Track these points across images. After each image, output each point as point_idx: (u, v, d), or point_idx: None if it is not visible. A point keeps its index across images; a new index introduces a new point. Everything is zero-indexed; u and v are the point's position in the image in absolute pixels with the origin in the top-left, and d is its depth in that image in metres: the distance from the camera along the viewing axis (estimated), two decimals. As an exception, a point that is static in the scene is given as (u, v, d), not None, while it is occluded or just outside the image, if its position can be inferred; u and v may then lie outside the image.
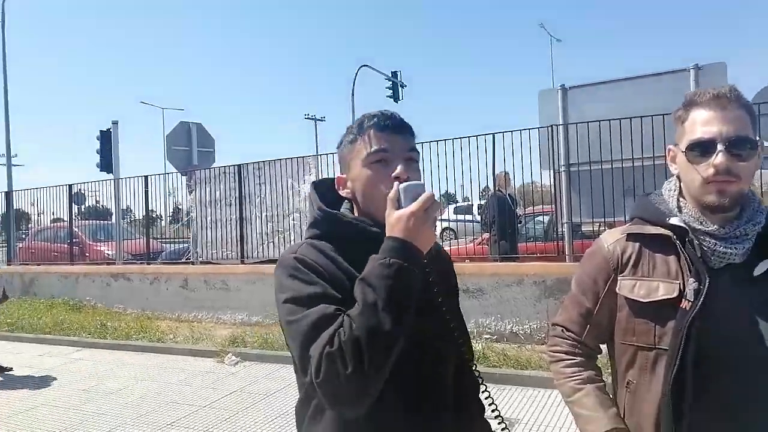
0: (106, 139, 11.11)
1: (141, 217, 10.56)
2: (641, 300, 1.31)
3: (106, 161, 11.05)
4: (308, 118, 40.30)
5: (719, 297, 1.23)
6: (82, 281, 9.86)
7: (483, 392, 1.36)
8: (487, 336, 6.13)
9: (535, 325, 6.07)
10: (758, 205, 1.33)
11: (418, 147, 1.29)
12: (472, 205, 8.90)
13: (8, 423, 4.70)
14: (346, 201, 1.30)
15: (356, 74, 20.66)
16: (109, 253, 10.82)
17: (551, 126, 6.53)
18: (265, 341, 6.70)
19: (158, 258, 10.23)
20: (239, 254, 8.69)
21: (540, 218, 8.45)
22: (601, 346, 1.49)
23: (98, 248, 11.32)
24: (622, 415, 1.35)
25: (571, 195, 6.46)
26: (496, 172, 7.04)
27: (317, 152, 9.34)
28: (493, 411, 1.35)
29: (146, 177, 9.78)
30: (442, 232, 11.39)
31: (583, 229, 7.20)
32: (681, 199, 1.35)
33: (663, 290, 1.28)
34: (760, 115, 5.30)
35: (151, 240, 10.16)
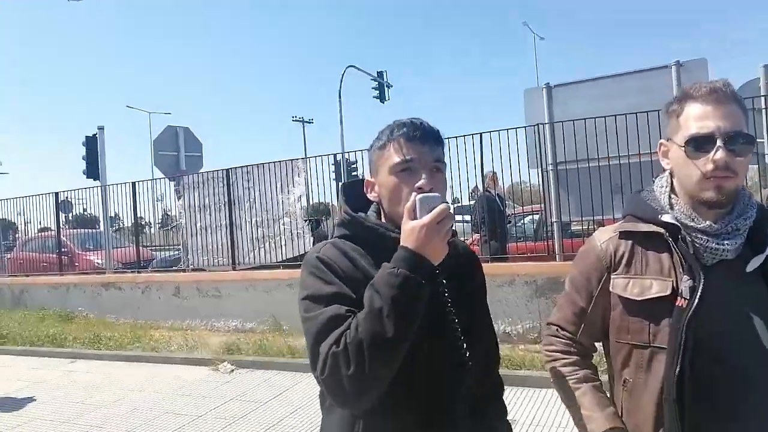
0: (92, 145, 10.98)
1: (130, 225, 10.48)
2: (635, 298, 1.31)
3: (93, 168, 10.92)
4: (296, 120, 40.21)
5: (713, 294, 1.22)
6: (73, 291, 9.79)
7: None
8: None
9: (527, 325, 6.12)
10: (748, 199, 1.32)
11: None
12: (461, 206, 8.97)
13: (3, 440, 4.67)
14: (374, 203, 1.34)
15: (343, 75, 20.63)
16: (99, 262, 10.73)
17: (537, 125, 6.57)
18: (259, 348, 6.70)
19: (149, 266, 10.17)
20: (230, 260, 8.66)
21: (529, 218, 8.50)
22: (596, 344, 1.49)
23: (88, 257, 11.22)
24: (620, 414, 1.35)
25: (560, 194, 6.51)
26: (484, 172, 7.07)
27: (305, 154, 9.34)
28: None
29: (134, 183, 9.68)
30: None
31: (573, 227, 7.25)
32: (672, 195, 1.35)
33: (656, 288, 1.28)
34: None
35: (141, 248, 10.08)
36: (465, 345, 1.26)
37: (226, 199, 8.70)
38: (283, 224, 8.28)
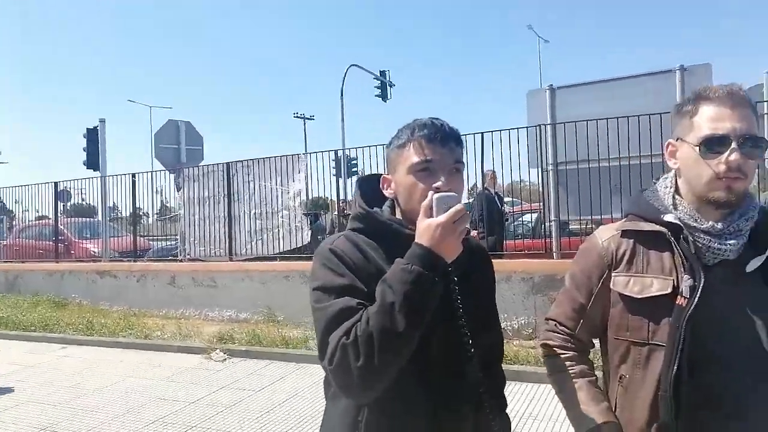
0: (93, 136, 11.03)
1: (128, 215, 10.48)
2: (635, 296, 1.31)
3: (93, 159, 10.97)
4: (297, 117, 40.24)
5: (713, 293, 1.23)
6: (68, 278, 9.77)
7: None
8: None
9: (523, 321, 6.12)
10: (750, 200, 1.33)
11: None
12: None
13: (-7, 419, 4.65)
14: (388, 200, 1.36)
15: (345, 73, 20.66)
16: (95, 250, 10.73)
17: (539, 125, 6.59)
18: (253, 338, 6.68)
19: (145, 255, 10.16)
20: (228, 251, 8.66)
21: (528, 216, 8.51)
22: (593, 340, 1.49)
23: (84, 246, 11.21)
24: (613, 409, 1.36)
25: (559, 193, 6.53)
26: (484, 171, 7.09)
27: (306, 150, 9.35)
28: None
29: (134, 175, 9.72)
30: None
31: (571, 226, 7.27)
32: (677, 196, 1.35)
33: (657, 286, 1.29)
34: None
35: (138, 237, 10.09)
36: (470, 341, 1.28)
37: (226, 192, 8.73)
38: (282, 217, 8.28)
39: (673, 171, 1.39)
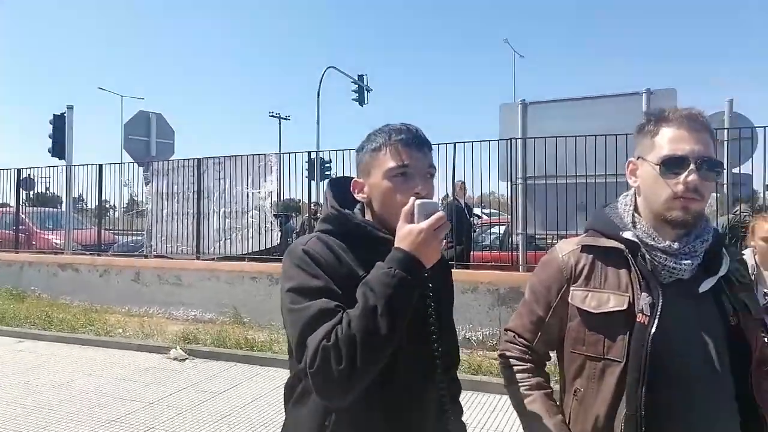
0: (59, 123, 10.69)
1: (94, 207, 10.23)
2: (592, 311, 1.33)
3: (59, 147, 10.63)
4: (272, 116, 39.92)
5: (669, 311, 1.27)
6: (27, 270, 9.49)
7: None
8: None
9: (487, 332, 6.20)
10: (706, 223, 1.37)
11: None
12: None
13: (-60, 415, 4.50)
14: (359, 203, 1.37)
15: (323, 75, 20.61)
16: (57, 242, 10.44)
17: (510, 139, 6.70)
18: (217, 339, 6.61)
19: (110, 249, 9.94)
20: (195, 249, 8.54)
21: (496, 228, 8.63)
22: (550, 353, 1.52)
23: (46, 237, 10.90)
24: (567, 422, 1.38)
25: (527, 207, 6.64)
26: (455, 181, 7.17)
27: (280, 150, 9.27)
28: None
29: (100, 165, 9.47)
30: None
31: (537, 241, 7.40)
32: (635, 214, 1.38)
33: (613, 302, 1.31)
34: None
35: (103, 231, 9.85)
36: (440, 348, 1.30)
37: (196, 189, 8.59)
38: (251, 217, 8.21)
39: (633, 189, 1.43)
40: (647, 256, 1.32)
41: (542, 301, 1.45)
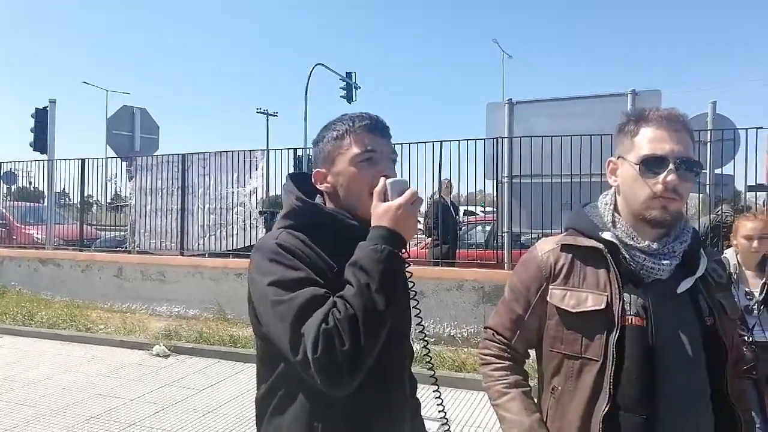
0: (41, 117, 10.55)
1: (77, 202, 10.10)
2: (571, 310, 1.34)
3: (41, 141, 10.49)
4: (260, 113, 39.65)
5: (653, 311, 1.29)
6: (8, 265, 9.34)
7: (435, 392, 1.45)
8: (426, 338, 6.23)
9: (472, 329, 6.22)
10: (685, 223, 1.39)
11: None
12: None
13: None
14: (318, 195, 1.36)
15: (311, 72, 20.52)
16: (39, 237, 10.29)
17: (497, 138, 6.72)
18: (200, 335, 6.56)
19: (92, 245, 9.82)
20: (179, 245, 8.46)
21: (481, 226, 8.66)
22: (529, 351, 1.52)
23: (27, 231, 10.74)
24: (545, 420, 1.39)
25: (512, 205, 6.67)
26: (441, 179, 7.18)
27: (267, 147, 9.21)
28: (440, 411, 1.44)
29: (83, 160, 9.35)
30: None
31: (522, 239, 7.44)
32: (615, 213, 1.39)
33: (591, 301, 1.32)
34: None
35: (86, 226, 9.73)
36: (426, 340, 1.32)
37: (180, 184, 8.51)
38: (236, 214, 8.15)
39: (612, 188, 1.44)
40: (627, 256, 1.33)
41: (521, 300, 1.45)
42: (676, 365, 1.28)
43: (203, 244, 8.34)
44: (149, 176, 8.79)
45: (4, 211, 10.69)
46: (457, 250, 7.69)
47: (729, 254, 3.09)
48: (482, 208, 8.54)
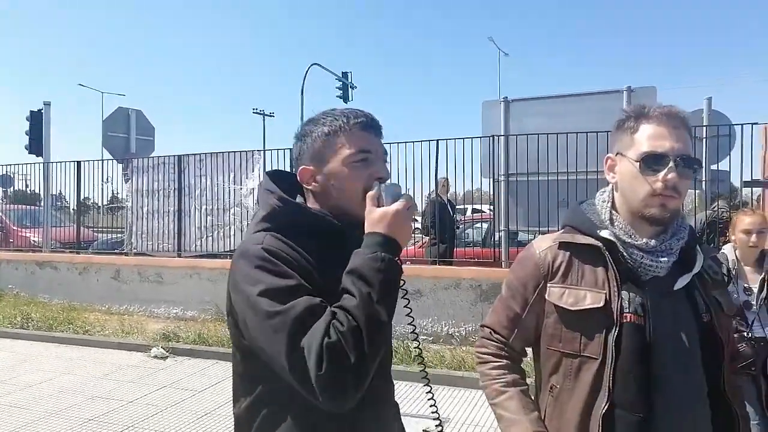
0: (36, 120, 10.51)
1: (74, 204, 10.08)
2: (569, 308, 1.34)
3: (36, 144, 10.46)
4: (256, 113, 39.55)
5: (650, 308, 1.29)
6: (5, 268, 9.31)
7: (428, 392, 1.41)
8: (424, 337, 6.24)
9: (470, 328, 6.22)
10: (682, 220, 1.38)
11: None
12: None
13: None
14: (298, 194, 1.30)
15: (306, 72, 20.49)
16: (36, 239, 10.27)
17: (493, 136, 6.72)
18: (198, 337, 6.55)
19: (89, 247, 9.79)
20: (176, 247, 8.44)
21: (479, 225, 8.67)
22: (527, 349, 1.51)
23: (24, 234, 10.71)
24: (543, 418, 1.38)
25: (509, 203, 6.68)
26: (438, 178, 7.18)
27: (264, 147, 9.19)
28: (431, 406, 1.40)
29: (79, 162, 9.33)
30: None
31: (519, 237, 7.44)
32: (613, 211, 1.39)
33: (590, 299, 1.32)
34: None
35: (83, 228, 9.70)
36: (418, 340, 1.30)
37: (176, 186, 8.49)
38: (233, 214, 8.14)
39: (610, 185, 1.43)
40: (624, 253, 1.33)
41: (519, 298, 1.44)
42: (673, 362, 1.28)
43: (200, 246, 8.33)
44: (145, 178, 8.77)
45: (0, 214, 10.66)
46: (455, 249, 7.69)
47: (727, 250, 3.09)
48: (489, 206, 8.54)
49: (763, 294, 2.90)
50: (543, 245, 1.44)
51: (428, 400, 1.42)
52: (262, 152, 8.35)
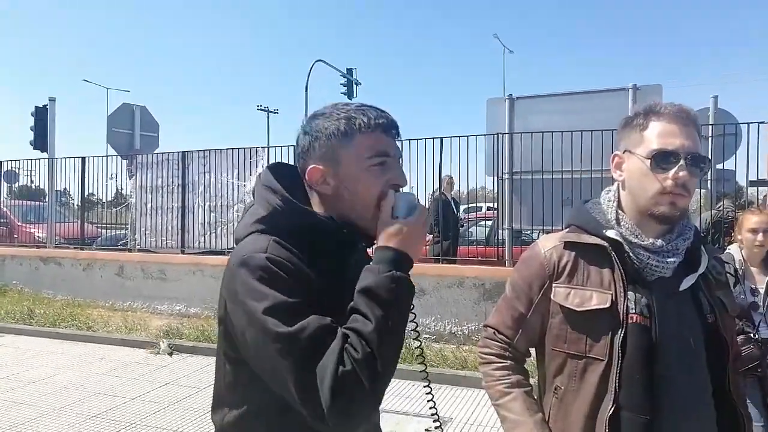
0: (41, 115, 10.55)
1: (78, 200, 10.10)
2: (575, 309, 1.33)
3: (41, 139, 10.50)
4: (261, 110, 39.58)
5: (656, 310, 1.28)
6: (9, 264, 9.35)
7: (428, 393, 1.36)
8: (426, 336, 6.23)
9: (473, 327, 6.21)
10: (687, 221, 1.37)
11: None
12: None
13: None
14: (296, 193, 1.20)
15: (311, 69, 20.46)
16: (40, 235, 10.30)
17: (497, 134, 6.70)
18: (201, 333, 6.56)
19: (94, 243, 9.82)
20: (180, 243, 8.46)
21: (482, 223, 8.65)
22: (530, 349, 1.50)
23: (28, 230, 10.76)
24: (547, 420, 1.37)
25: (513, 202, 6.65)
26: (442, 176, 7.16)
27: (268, 144, 9.15)
28: (430, 408, 1.36)
29: (83, 158, 9.35)
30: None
31: (523, 236, 7.42)
32: (619, 211, 1.37)
33: (596, 300, 1.31)
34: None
35: (87, 224, 9.73)
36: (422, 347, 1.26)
37: (180, 182, 8.50)
38: (237, 211, 8.14)
39: (616, 184, 1.41)
40: (631, 254, 1.31)
41: (524, 298, 1.43)
42: (678, 363, 1.27)
43: (204, 242, 8.34)
44: (150, 174, 8.79)
45: (5, 209, 10.71)
46: (458, 247, 7.67)
47: (734, 250, 3.05)
48: (487, 204, 8.53)
49: None
50: (548, 245, 1.42)
51: (428, 401, 1.40)
52: (266, 149, 8.34)
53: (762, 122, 5.81)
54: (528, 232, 7.14)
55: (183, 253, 8.37)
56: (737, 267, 2.93)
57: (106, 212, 10.96)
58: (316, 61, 20.22)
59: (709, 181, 6.36)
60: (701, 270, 1.34)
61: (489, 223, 8.46)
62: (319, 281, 1.05)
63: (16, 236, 10.56)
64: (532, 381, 1.47)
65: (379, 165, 1.11)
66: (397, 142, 1.17)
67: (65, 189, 10.36)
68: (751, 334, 2.80)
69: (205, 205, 8.33)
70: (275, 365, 0.97)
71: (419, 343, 1.42)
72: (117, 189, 10.90)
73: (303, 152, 1.15)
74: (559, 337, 1.36)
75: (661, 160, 1.27)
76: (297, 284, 1.01)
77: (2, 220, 10.42)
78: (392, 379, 1.04)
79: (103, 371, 5.56)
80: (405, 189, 1.17)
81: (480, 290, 6.24)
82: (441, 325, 6.32)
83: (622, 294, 1.29)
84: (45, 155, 10.21)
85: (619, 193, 1.40)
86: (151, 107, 10.73)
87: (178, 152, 8.64)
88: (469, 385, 5.00)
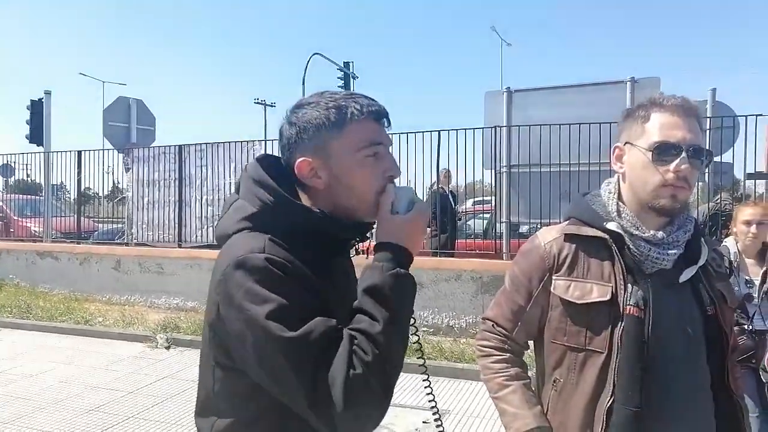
0: (37, 109, 10.49)
1: (74, 194, 10.07)
2: (575, 301, 1.32)
3: (37, 133, 10.45)
4: (258, 103, 39.41)
5: (653, 302, 1.27)
6: (5, 258, 9.32)
7: (426, 386, 1.33)
8: (424, 329, 6.23)
9: (470, 320, 6.22)
10: (687, 213, 1.37)
11: None
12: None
13: None
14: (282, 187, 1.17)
15: (308, 62, 20.36)
16: (36, 229, 10.27)
17: (495, 127, 6.68)
18: (199, 327, 6.55)
19: (90, 237, 9.80)
20: (177, 237, 8.44)
21: (480, 216, 8.65)
22: (529, 342, 1.50)
23: (24, 224, 10.72)
24: (546, 412, 1.37)
25: (511, 195, 6.64)
26: (440, 169, 7.15)
27: (265, 137, 9.13)
28: (430, 401, 1.34)
29: (79, 152, 9.31)
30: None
31: (521, 229, 7.42)
32: (620, 203, 1.36)
33: (596, 293, 1.30)
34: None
35: (83, 218, 9.70)
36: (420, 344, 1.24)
37: (177, 176, 8.48)
38: (235, 205, 8.12)
39: (616, 176, 1.40)
40: (631, 246, 1.30)
41: (523, 291, 1.42)
42: (678, 354, 1.27)
43: (201, 236, 8.32)
44: (146, 168, 8.76)
45: (1, 204, 10.67)
46: (456, 240, 7.67)
47: (729, 243, 3.08)
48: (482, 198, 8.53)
49: (765, 287, 2.88)
50: (548, 237, 1.42)
51: (427, 394, 1.39)
52: (263, 142, 8.31)
53: (760, 115, 5.82)
54: (525, 225, 7.12)
55: (180, 246, 8.35)
56: (732, 259, 2.95)
57: (102, 206, 10.93)
58: (314, 54, 20.13)
59: (706, 174, 6.36)
60: (701, 262, 1.33)
61: (487, 215, 8.45)
62: (317, 280, 1.01)
63: (12, 230, 10.53)
64: (530, 373, 1.46)
65: (372, 155, 1.06)
66: (386, 130, 1.11)
67: (61, 183, 10.34)
68: (746, 326, 2.82)
69: (202, 198, 8.32)
70: (280, 371, 0.92)
71: (417, 338, 1.40)
72: (113, 183, 10.88)
73: (289, 144, 1.09)
74: (559, 330, 1.35)
75: (662, 152, 1.26)
76: (298, 285, 0.96)
77: (-2, 215, 10.38)
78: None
79: (101, 365, 5.55)
80: (402, 182, 1.15)
81: (477, 283, 6.24)
82: (439, 318, 6.33)
83: (623, 286, 1.28)
84: (41, 149, 10.17)
85: (619, 185, 1.39)
86: (148, 100, 10.64)
87: (175, 146, 8.61)
88: (467, 378, 5.01)
